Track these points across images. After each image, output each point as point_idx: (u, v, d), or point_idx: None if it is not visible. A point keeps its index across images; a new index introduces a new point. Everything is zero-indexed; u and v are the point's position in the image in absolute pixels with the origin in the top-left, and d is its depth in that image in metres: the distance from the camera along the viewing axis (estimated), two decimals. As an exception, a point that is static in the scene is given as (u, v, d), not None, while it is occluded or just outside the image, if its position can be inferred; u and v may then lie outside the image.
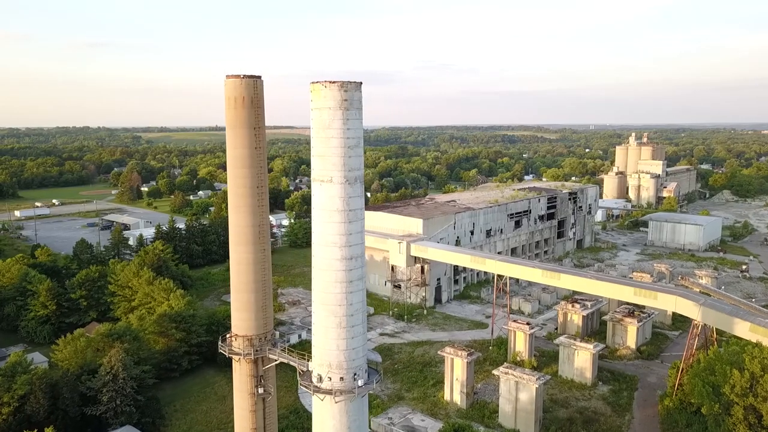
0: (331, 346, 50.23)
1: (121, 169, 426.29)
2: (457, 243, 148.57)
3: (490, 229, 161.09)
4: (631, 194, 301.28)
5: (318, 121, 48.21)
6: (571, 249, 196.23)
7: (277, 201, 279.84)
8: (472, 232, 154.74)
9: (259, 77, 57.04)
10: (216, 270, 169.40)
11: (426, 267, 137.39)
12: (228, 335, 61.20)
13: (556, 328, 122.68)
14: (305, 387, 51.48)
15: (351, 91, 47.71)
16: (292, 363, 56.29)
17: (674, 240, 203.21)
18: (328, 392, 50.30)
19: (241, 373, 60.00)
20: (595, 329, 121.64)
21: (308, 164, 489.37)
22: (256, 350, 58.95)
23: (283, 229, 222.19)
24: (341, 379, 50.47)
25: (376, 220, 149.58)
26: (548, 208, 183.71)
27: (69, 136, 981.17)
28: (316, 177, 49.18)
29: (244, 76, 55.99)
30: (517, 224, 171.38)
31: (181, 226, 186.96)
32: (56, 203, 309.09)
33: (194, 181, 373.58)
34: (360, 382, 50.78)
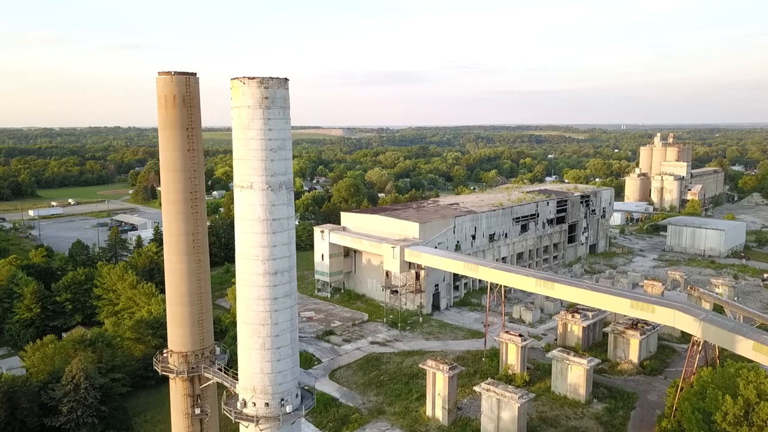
0: (254, 368, 45.77)
1: (140, 169, 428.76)
2: (458, 248, 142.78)
3: (494, 234, 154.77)
4: (654, 197, 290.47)
5: (237, 121, 43.75)
6: (583, 254, 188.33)
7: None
8: (473, 237, 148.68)
9: (194, 74, 52.73)
10: (215, 272, 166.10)
11: (422, 273, 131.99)
12: (165, 351, 57.17)
13: (556, 339, 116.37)
14: (227, 413, 47.07)
15: (273, 88, 43.08)
16: (225, 384, 51.93)
17: (694, 245, 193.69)
18: (251, 419, 45.81)
19: (176, 392, 55.92)
20: (597, 341, 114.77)
21: (327, 164, 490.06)
22: (192, 368, 54.76)
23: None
24: (266, 404, 45.96)
25: (372, 223, 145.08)
26: (558, 211, 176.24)
27: (100, 135, 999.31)
28: (237, 182, 44.73)
29: (176, 72, 51.72)
30: (524, 228, 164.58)
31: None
32: (71, 202, 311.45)
33: (209, 181, 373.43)
34: (288, 408, 46.16)
